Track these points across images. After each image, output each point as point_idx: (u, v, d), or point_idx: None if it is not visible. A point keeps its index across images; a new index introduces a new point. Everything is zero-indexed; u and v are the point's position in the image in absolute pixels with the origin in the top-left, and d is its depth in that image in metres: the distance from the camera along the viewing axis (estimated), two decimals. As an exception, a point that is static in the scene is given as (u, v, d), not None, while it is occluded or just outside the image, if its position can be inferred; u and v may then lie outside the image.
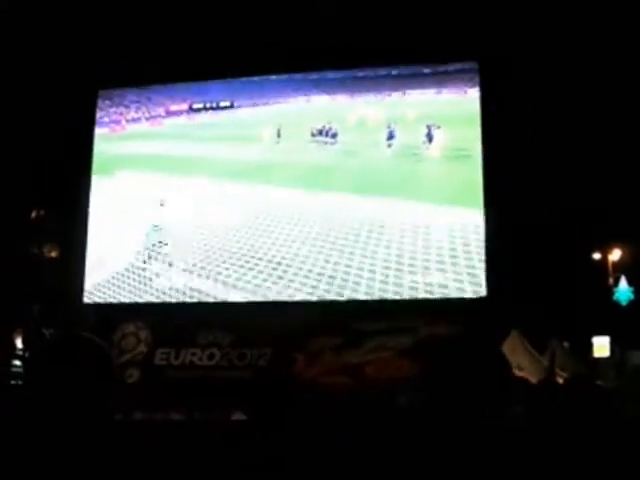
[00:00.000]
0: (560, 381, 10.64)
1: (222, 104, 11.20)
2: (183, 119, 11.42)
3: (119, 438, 2.62)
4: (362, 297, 9.90)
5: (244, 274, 10.50)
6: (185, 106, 11.30)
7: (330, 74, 10.91)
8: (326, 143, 10.67)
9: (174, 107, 11.32)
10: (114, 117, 11.74)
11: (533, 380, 10.45)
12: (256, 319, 9.83)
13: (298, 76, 11.04)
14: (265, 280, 10.39)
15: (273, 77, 11.09)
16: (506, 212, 10.25)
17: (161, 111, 11.56)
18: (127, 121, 11.74)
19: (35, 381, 2.50)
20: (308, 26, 10.27)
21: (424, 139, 10.27)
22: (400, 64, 10.53)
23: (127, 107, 11.72)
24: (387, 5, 10.24)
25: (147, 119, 11.66)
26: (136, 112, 11.66)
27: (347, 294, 9.95)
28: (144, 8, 10.94)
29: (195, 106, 11.32)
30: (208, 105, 11.24)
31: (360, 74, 10.85)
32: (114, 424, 2.62)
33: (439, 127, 10.22)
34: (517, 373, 11.17)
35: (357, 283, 9.96)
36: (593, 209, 16.23)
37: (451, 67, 10.39)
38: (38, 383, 2.46)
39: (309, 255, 10.29)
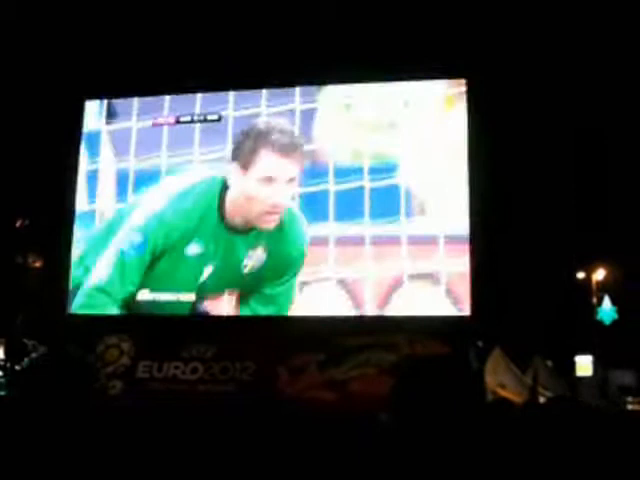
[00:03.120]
0: (542, 400, 10.68)
1: (210, 117, 11.05)
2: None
3: (100, 448, 2.62)
4: (346, 313, 9.89)
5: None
6: (172, 119, 11.17)
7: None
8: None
9: (161, 119, 11.19)
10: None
11: (516, 398, 10.51)
12: (240, 333, 9.80)
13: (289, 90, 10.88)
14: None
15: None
16: (491, 231, 10.31)
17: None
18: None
19: (20, 395, 2.51)
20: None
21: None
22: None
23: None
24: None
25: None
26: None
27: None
28: (131, 18, 10.99)
29: (182, 119, 11.16)
30: (195, 118, 11.10)
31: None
32: (94, 434, 2.62)
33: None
34: (499, 392, 11.21)
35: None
36: (578, 229, 16.33)
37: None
38: (23, 397, 2.47)
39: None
